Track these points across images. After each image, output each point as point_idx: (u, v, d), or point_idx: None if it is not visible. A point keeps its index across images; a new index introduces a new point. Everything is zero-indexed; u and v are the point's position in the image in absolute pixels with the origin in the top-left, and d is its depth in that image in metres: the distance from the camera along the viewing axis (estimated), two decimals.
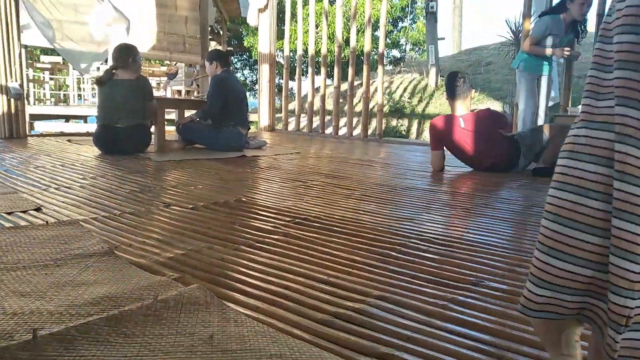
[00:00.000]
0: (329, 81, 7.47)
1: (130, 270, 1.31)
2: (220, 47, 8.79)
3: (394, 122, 9.64)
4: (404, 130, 9.44)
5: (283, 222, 1.85)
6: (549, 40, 4.03)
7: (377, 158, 4.15)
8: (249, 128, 4.30)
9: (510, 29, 10.33)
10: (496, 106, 9.16)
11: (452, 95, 3.34)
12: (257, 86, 6.88)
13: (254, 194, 2.43)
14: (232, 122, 4.05)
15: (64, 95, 12.49)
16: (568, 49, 4.00)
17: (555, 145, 3.19)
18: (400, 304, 1.14)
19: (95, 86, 3.97)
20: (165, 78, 11.03)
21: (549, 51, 4.03)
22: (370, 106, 6.19)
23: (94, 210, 1.98)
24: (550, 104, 4.42)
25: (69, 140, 4.77)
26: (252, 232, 1.72)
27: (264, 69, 6.57)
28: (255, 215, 1.96)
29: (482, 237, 1.74)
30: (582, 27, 4.07)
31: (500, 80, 10.20)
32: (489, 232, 1.80)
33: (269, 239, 1.64)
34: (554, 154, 3.20)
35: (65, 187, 2.45)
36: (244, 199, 2.26)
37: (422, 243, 1.62)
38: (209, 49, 6.08)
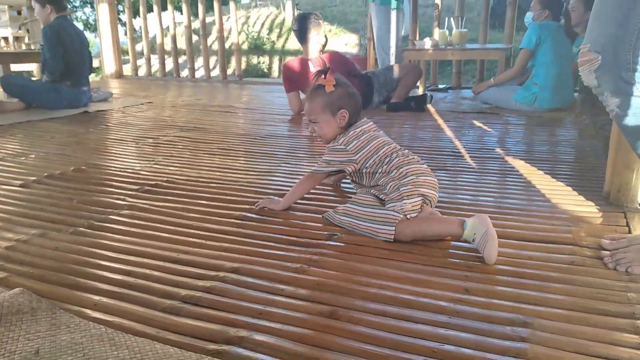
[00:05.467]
0: (178, 18, 6.85)
1: None
2: None
3: (254, 60, 9.39)
4: (266, 67, 9.26)
5: (129, 193, 1.70)
6: None
7: (239, 103, 4.00)
8: (89, 83, 3.83)
9: None
10: (353, 39, 9.33)
11: (302, 38, 3.29)
12: None
13: (96, 159, 2.20)
14: (68, 82, 3.56)
15: None
16: None
17: (404, 83, 3.35)
18: (253, 274, 1.12)
19: None
20: None
21: None
22: (228, 45, 5.86)
23: None
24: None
25: None
26: (93, 208, 1.56)
27: (102, 10, 5.85)
28: (97, 187, 1.78)
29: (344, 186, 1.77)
30: None
31: (355, 12, 10.34)
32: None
33: (112, 215, 1.49)
34: (403, 90, 3.36)
35: None
36: (84, 167, 2.03)
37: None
38: None
